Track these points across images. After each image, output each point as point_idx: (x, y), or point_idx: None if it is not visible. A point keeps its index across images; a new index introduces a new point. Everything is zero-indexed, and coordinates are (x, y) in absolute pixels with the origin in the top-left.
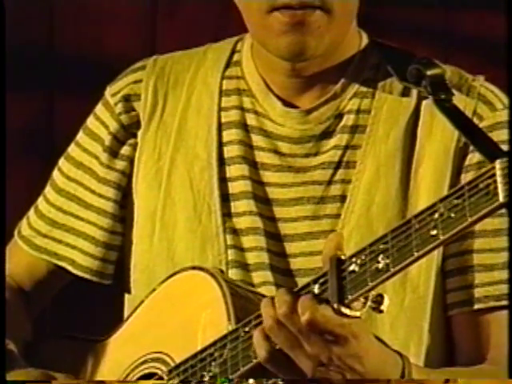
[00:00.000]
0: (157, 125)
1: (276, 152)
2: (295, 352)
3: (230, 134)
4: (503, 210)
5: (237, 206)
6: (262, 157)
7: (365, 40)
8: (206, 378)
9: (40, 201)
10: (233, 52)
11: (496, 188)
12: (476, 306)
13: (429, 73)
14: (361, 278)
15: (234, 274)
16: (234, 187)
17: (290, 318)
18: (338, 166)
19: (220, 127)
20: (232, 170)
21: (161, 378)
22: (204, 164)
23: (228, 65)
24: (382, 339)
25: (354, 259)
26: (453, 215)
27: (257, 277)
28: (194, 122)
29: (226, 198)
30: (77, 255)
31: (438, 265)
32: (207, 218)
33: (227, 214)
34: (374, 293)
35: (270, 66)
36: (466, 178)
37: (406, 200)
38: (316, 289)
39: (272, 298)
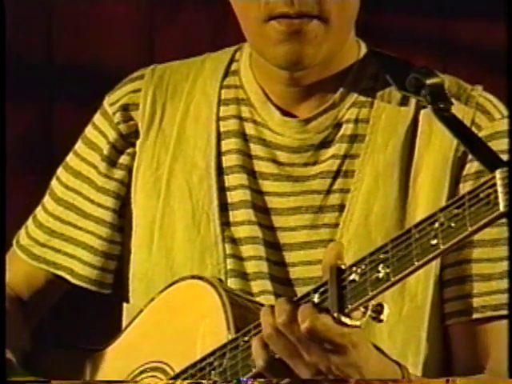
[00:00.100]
0: (155, 134)
1: (274, 161)
2: (294, 361)
3: (228, 144)
4: (502, 220)
5: (235, 215)
6: (260, 166)
7: (363, 49)
8: None
9: (38, 210)
10: (231, 61)
11: (496, 197)
12: (474, 316)
13: (428, 82)
14: (361, 287)
15: (233, 283)
16: (232, 196)
17: (289, 327)
18: (336, 175)
19: (219, 136)
20: (231, 180)
21: None
22: (203, 173)
23: (226, 74)
24: (381, 348)
25: (354, 268)
26: (453, 225)
27: (256, 286)
28: (192, 131)
29: (224, 207)
30: (75, 264)
31: (436, 274)
32: (206, 228)
33: (226, 224)
34: (373, 302)
35: (268, 76)
36: (464, 187)
37: (405, 209)
38: (316, 298)
39: (272, 307)
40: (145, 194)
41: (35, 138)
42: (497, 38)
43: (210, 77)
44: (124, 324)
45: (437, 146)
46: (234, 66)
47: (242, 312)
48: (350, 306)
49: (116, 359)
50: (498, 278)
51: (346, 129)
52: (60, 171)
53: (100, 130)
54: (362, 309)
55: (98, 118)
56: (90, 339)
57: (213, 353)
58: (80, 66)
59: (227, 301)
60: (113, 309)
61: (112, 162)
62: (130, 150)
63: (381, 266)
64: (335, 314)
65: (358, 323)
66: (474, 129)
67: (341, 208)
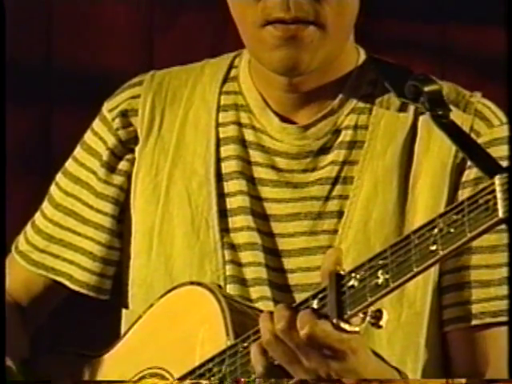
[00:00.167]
0: (154, 140)
1: (273, 167)
2: (293, 367)
3: (227, 150)
4: (501, 226)
5: (235, 221)
6: (259, 172)
7: (362, 56)
8: None
9: (37, 216)
10: (230, 67)
11: (496, 204)
12: (472, 323)
13: (426, 89)
14: (360, 293)
15: (232, 289)
16: (231, 203)
17: (289, 334)
18: (335, 181)
19: (218, 143)
20: (230, 186)
21: None
22: (202, 179)
23: (225, 80)
24: (380, 354)
25: (353, 274)
26: (452, 230)
27: (255, 292)
28: (191, 137)
29: (223, 213)
30: (74, 270)
31: (434, 281)
32: (205, 234)
33: (225, 230)
34: (373, 308)
35: (267, 82)
36: (463, 194)
37: (404, 216)
38: (315, 304)
39: (271, 313)
40: (144, 200)
41: (34, 144)
42: (496, 44)
43: (209, 83)
44: (123, 330)
45: (435, 152)
46: (233, 72)
47: (241, 318)
48: (349, 312)
49: (115, 365)
50: (496, 285)
51: (345, 135)
52: (59, 177)
53: (99, 136)
54: (361, 315)
55: (97, 123)
56: (89, 345)
57: (212, 359)
58: (79, 71)
59: (226, 307)
60: (112, 315)
61: (111, 167)
62: (129, 156)
63: (380, 271)
64: (334, 320)
65: (357, 329)
66: (472, 135)
67: (340, 214)
